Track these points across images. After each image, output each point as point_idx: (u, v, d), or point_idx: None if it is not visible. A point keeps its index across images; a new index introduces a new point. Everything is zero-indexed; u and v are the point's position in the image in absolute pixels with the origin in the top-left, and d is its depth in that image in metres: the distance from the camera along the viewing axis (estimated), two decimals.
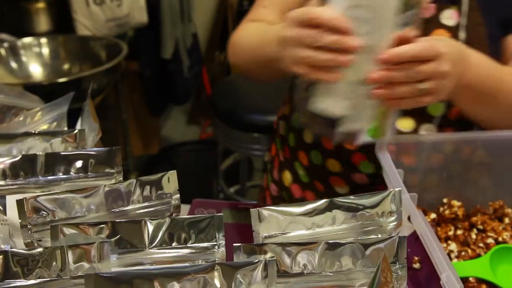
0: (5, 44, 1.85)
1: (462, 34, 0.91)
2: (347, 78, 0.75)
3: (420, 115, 0.92)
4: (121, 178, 0.67)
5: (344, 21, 0.72)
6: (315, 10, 0.73)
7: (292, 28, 0.75)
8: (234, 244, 0.53)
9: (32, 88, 1.55)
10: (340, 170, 1.00)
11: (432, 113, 0.92)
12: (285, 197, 1.10)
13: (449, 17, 0.92)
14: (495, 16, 0.92)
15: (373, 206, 0.59)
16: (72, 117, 0.81)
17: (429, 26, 0.92)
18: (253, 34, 0.99)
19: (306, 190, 1.05)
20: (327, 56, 0.73)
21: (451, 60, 0.75)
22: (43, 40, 1.91)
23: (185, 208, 1.02)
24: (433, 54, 0.73)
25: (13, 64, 1.85)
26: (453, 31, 0.91)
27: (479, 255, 0.80)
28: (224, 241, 0.57)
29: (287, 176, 1.09)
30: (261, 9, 1.05)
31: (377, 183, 0.97)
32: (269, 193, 1.16)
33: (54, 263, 0.51)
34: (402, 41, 0.73)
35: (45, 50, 1.90)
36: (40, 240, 0.58)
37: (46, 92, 1.51)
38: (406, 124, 0.93)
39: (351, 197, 0.59)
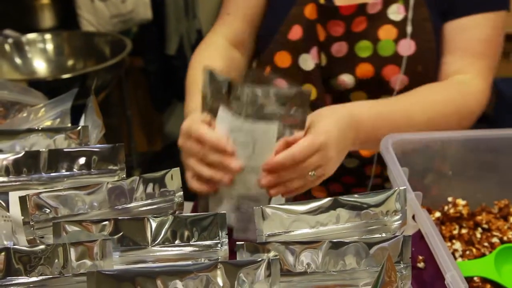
0: (10, 40, 1.85)
1: (409, 28, 0.92)
2: (233, 192, 0.78)
3: None
4: (124, 175, 0.67)
5: (227, 144, 0.75)
6: (202, 129, 0.76)
7: (184, 139, 0.79)
8: (237, 243, 0.53)
9: (36, 84, 1.55)
10: None
11: None
12: None
13: (396, 11, 0.93)
14: (435, 8, 0.94)
15: (377, 205, 0.59)
16: (76, 114, 0.81)
17: (377, 22, 0.93)
18: (192, 73, 0.99)
19: None
20: (211, 173, 0.77)
21: (334, 142, 0.77)
22: (48, 36, 1.90)
23: (188, 205, 1.02)
24: (314, 150, 0.75)
25: (18, 60, 1.85)
26: (400, 26, 0.92)
27: (483, 255, 0.80)
28: (227, 239, 0.56)
29: None
30: (226, 17, 1.06)
31: (343, 174, 1.00)
32: None
33: (56, 260, 0.51)
34: (285, 147, 0.75)
35: (49, 46, 1.90)
36: (42, 237, 0.58)
37: (50, 88, 1.51)
38: None
39: (355, 195, 0.59)
